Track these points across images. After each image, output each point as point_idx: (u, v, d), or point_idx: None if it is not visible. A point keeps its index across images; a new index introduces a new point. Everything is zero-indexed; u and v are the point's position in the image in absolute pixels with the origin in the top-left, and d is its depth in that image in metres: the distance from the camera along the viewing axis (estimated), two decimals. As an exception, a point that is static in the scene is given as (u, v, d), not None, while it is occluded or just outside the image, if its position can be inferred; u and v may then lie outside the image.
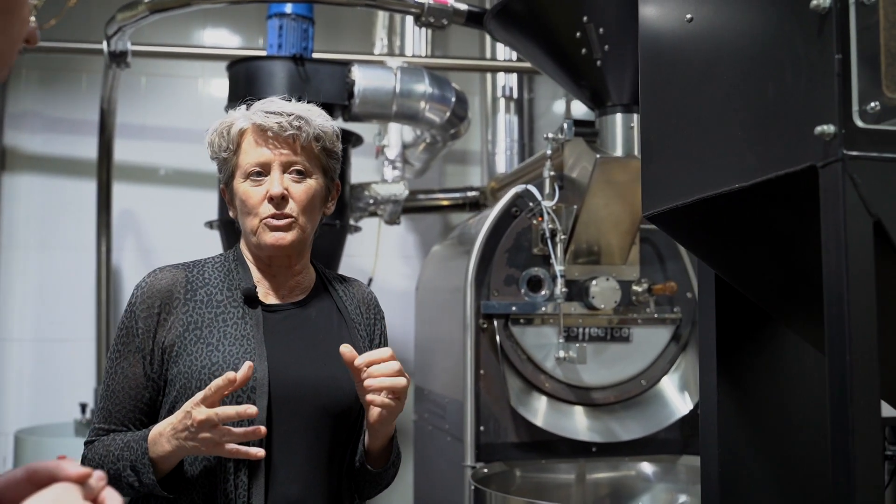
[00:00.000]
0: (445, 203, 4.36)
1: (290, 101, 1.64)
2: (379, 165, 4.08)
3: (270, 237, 1.57)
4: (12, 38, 0.81)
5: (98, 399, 1.61)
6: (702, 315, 1.59)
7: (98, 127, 3.96)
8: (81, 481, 0.89)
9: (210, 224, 3.37)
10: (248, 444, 1.46)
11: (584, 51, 2.53)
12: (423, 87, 3.40)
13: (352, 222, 3.74)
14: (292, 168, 1.58)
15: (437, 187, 4.59)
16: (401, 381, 1.47)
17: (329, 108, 3.39)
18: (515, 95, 4.33)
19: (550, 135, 2.76)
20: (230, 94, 3.37)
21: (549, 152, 2.79)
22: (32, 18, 0.87)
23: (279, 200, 1.56)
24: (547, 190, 2.78)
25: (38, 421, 4.15)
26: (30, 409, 4.25)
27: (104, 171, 4.00)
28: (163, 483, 1.46)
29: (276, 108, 1.58)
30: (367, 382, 1.45)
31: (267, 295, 1.65)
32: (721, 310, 1.60)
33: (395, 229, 4.53)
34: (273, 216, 1.57)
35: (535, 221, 2.83)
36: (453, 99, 3.48)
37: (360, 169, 4.15)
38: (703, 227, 1.62)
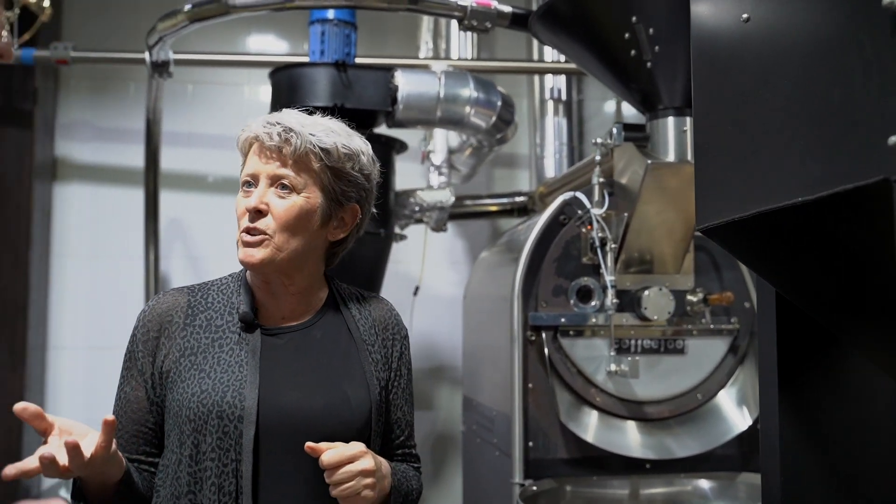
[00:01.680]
0: (494, 209, 4.28)
1: (314, 113, 1.58)
2: (425, 171, 4.01)
3: (240, 253, 1.50)
4: None
5: None
6: (762, 331, 1.50)
7: (144, 136, 3.96)
8: None
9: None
10: (237, 482, 1.42)
11: (633, 52, 2.43)
12: (468, 91, 3.32)
13: (397, 230, 3.68)
14: (279, 182, 1.50)
15: (486, 192, 4.52)
16: (359, 487, 1.41)
17: (372, 115, 3.34)
18: (564, 97, 4.22)
19: (599, 140, 2.66)
20: (273, 102, 3.33)
21: (597, 158, 2.69)
22: (5, 34, 0.82)
23: (254, 214, 1.48)
24: (596, 197, 2.68)
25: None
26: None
27: (151, 179, 4.00)
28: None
29: (276, 119, 1.51)
30: (331, 489, 1.40)
31: (269, 317, 1.58)
32: (782, 326, 1.50)
33: (443, 235, 4.46)
34: (247, 230, 1.49)
35: (584, 230, 2.73)
36: (499, 103, 3.39)
37: (406, 175, 4.09)
38: (761, 242, 1.51)
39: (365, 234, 3.13)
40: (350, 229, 1.63)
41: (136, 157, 4.24)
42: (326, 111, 3.12)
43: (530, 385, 2.70)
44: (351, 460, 1.40)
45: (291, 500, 1.46)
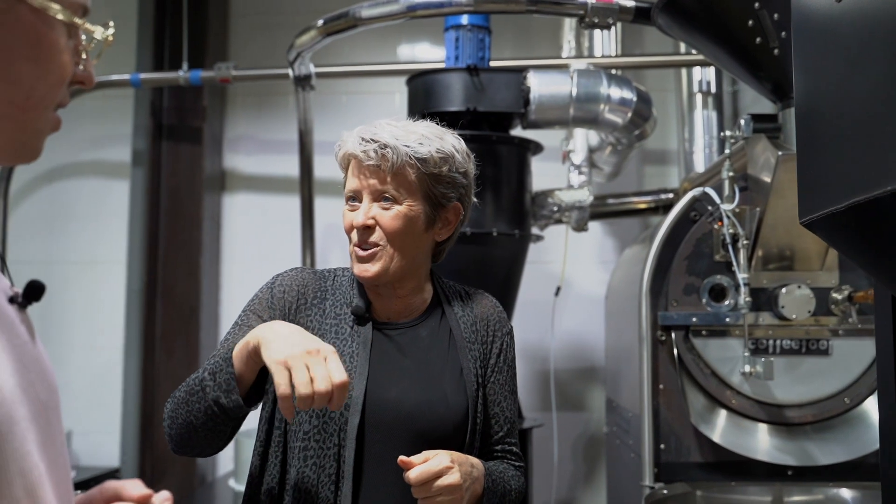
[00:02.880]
0: (642, 206, 4.20)
1: (407, 120, 1.62)
2: (566, 171, 3.99)
3: (356, 268, 1.58)
4: (50, 84, 0.85)
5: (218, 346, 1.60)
6: (878, 326, 1.42)
7: (298, 146, 4.18)
8: (142, 501, 0.91)
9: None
10: (338, 465, 1.47)
11: (758, 40, 2.32)
12: (602, 89, 3.28)
13: (536, 231, 3.69)
14: (381, 196, 1.55)
15: (636, 189, 4.44)
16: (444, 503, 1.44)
17: (507, 117, 3.37)
18: (714, 90, 4.08)
19: (728, 132, 2.57)
20: (409, 108, 3.43)
21: (727, 151, 2.59)
22: (84, 57, 0.90)
23: (362, 230, 1.55)
24: (726, 192, 2.58)
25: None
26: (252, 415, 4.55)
27: (306, 187, 4.22)
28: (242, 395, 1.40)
29: (369, 135, 1.56)
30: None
31: (379, 314, 1.64)
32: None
33: (593, 234, 4.43)
34: (359, 245, 1.57)
35: (715, 226, 2.64)
36: (634, 99, 3.33)
37: (548, 175, 4.10)
38: (857, 233, 1.43)
39: (499, 234, 3.20)
40: (454, 226, 1.67)
41: (294, 167, 4.49)
42: (461, 115, 3.20)
43: (661, 386, 2.64)
44: (438, 476, 1.44)
45: (389, 486, 1.52)
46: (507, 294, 3.39)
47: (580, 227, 3.74)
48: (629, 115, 3.36)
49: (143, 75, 4.39)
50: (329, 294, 1.63)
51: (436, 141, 1.58)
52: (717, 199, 2.59)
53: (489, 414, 1.69)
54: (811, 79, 1.56)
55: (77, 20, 0.86)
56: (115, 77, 4.47)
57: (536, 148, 3.46)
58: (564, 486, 4.22)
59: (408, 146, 1.54)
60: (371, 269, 1.56)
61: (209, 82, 4.32)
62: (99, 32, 0.90)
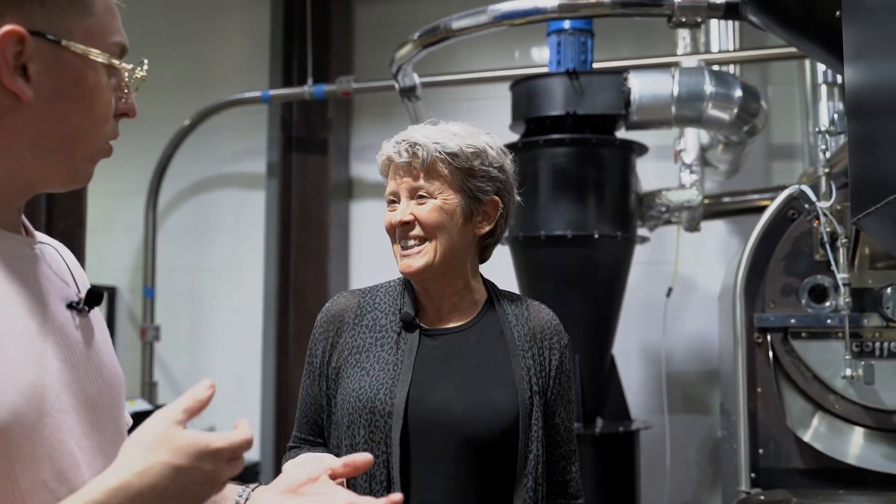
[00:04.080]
0: (764, 203, 4.06)
1: (440, 123, 1.67)
2: (678, 171, 3.93)
3: (402, 264, 1.62)
4: (95, 119, 0.97)
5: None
6: None
7: (415, 154, 4.30)
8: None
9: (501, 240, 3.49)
10: (388, 472, 1.53)
11: (848, 30, 2.24)
12: (705, 87, 3.22)
13: (646, 232, 3.65)
14: (416, 193, 1.61)
15: (762, 186, 4.30)
16: None
17: (609, 119, 3.37)
18: (839, 80, 3.90)
19: (822, 128, 2.47)
20: (513, 113, 3.49)
21: (822, 147, 2.50)
22: (126, 91, 1.03)
23: (402, 227, 1.61)
24: (823, 189, 2.49)
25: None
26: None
27: (425, 193, 4.33)
28: None
29: (402, 137, 1.63)
30: None
31: (429, 319, 1.67)
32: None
33: (716, 232, 4.33)
34: (401, 244, 1.62)
35: (814, 224, 2.55)
36: (739, 95, 3.25)
37: (661, 174, 4.05)
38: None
39: (600, 237, 3.20)
40: (495, 220, 1.68)
41: (414, 174, 4.62)
42: (562, 119, 3.23)
43: (759, 389, 2.57)
44: None
45: (438, 491, 1.56)
46: (611, 297, 3.38)
47: (692, 227, 3.67)
48: (735, 111, 3.28)
49: (272, 91, 4.66)
50: (369, 309, 1.69)
51: (467, 137, 1.63)
52: (813, 197, 2.50)
53: (549, 423, 1.68)
54: (862, 70, 1.53)
55: (115, 61, 0.97)
56: (248, 95, 4.77)
57: (641, 149, 3.43)
58: (678, 492, 4.14)
59: (437, 142, 1.59)
60: (415, 263, 1.61)
61: (332, 95, 4.53)
62: (135, 71, 1.01)
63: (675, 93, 3.22)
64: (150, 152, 5.08)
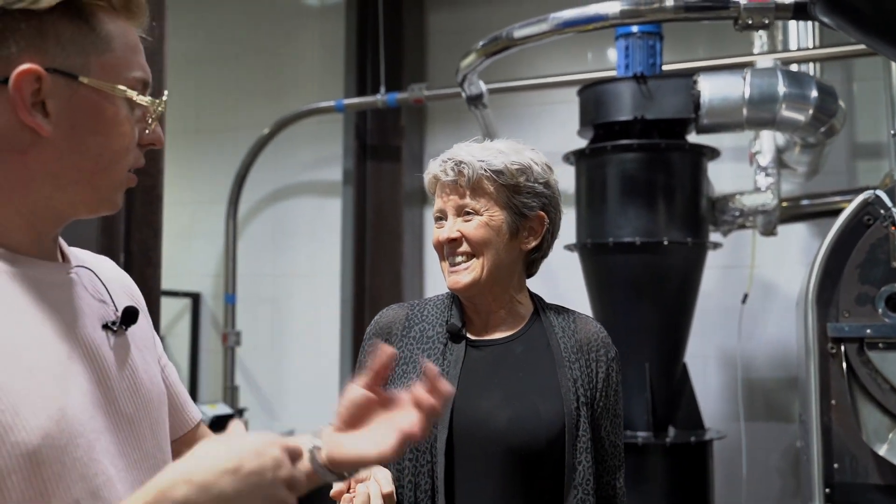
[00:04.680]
0: (845, 205, 3.92)
1: (485, 140, 1.68)
2: (753, 173, 3.82)
3: (449, 280, 1.64)
4: (115, 151, 1.01)
5: None
6: None
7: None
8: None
9: (570, 247, 3.47)
10: (433, 481, 1.54)
11: (922, 29, 2.15)
12: (778, 88, 3.13)
13: (719, 237, 3.57)
14: (463, 210, 1.62)
15: (846, 187, 4.15)
16: None
17: (679, 123, 3.31)
18: (926, 76, 3.73)
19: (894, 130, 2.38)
20: (581, 118, 3.46)
21: (892, 149, 2.40)
22: (150, 122, 1.06)
23: (449, 243, 1.62)
24: (899, 194, 2.40)
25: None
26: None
27: (497, 198, 4.33)
28: None
29: (448, 156, 1.65)
30: None
31: (476, 331, 1.69)
32: None
33: (798, 235, 4.21)
34: (449, 260, 1.64)
35: (891, 230, 2.45)
36: (814, 94, 3.15)
37: (736, 177, 3.95)
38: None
39: (670, 243, 3.15)
40: (542, 235, 1.70)
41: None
42: (630, 124, 3.19)
43: (833, 402, 2.49)
44: None
45: (483, 501, 1.58)
46: (682, 303, 3.32)
47: (768, 231, 3.57)
48: (811, 112, 3.17)
49: (346, 101, 4.74)
50: (417, 321, 1.71)
51: (512, 154, 1.64)
52: (889, 202, 2.41)
53: (596, 437, 1.67)
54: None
55: (131, 94, 1.01)
56: (323, 104, 4.86)
57: (712, 153, 3.36)
58: (753, 502, 4.03)
59: (482, 160, 1.61)
60: (462, 279, 1.63)
61: (404, 103, 4.57)
62: (155, 104, 1.05)
63: (747, 95, 3.13)
64: (231, 162, 5.23)
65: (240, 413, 4.92)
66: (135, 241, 2.85)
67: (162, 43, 2.64)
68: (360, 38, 4.98)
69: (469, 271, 1.62)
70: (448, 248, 1.65)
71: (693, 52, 4.35)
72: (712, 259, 3.60)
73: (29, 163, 0.94)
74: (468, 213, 1.63)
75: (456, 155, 1.65)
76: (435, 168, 1.68)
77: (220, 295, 5.38)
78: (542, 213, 1.67)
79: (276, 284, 5.32)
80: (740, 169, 4.03)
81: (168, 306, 5.20)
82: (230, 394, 5.11)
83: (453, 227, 1.63)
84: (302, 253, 5.29)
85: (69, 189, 0.97)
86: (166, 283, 3.08)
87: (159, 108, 1.05)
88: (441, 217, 1.68)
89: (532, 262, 1.74)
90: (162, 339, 5.28)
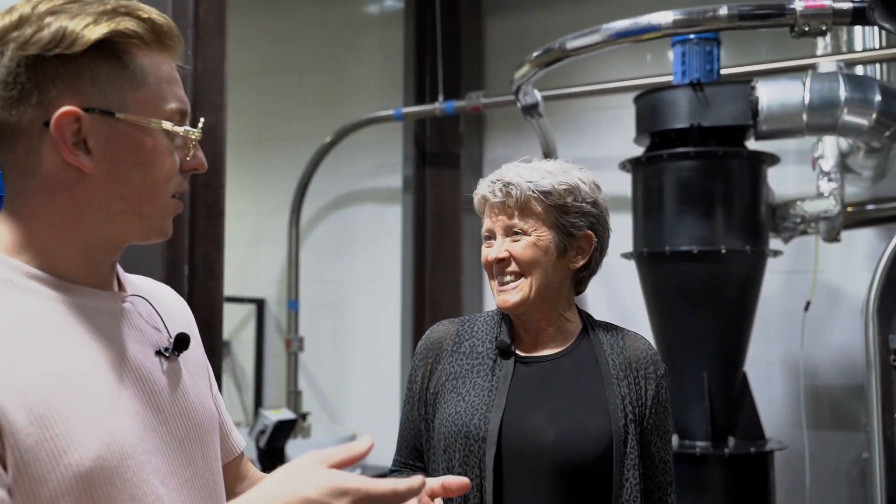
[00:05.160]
0: (916, 210, 3.83)
1: (533, 160, 1.70)
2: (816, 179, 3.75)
3: (498, 299, 1.66)
4: (156, 180, 1.05)
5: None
6: None
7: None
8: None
9: (627, 255, 3.45)
10: (481, 496, 1.56)
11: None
12: (839, 92, 3.07)
13: (780, 244, 3.52)
14: (512, 231, 1.64)
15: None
16: None
17: (737, 130, 3.27)
18: None
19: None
20: (637, 126, 3.44)
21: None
22: (191, 149, 1.10)
23: (498, 263, 1.64)
24: (964, 202, 2.33)
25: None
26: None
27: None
28: None
29: (496, 177, 1.67)
30: None
31: (525, 347, 1.71)
32: None
33: (867, 241, 4.11)
34: (498, 279, 1.66)
35: (955, 239, 2.39)
36: (877, 98, 3.08)
37: (796, 181, 3.88)
38: None
39: (727, 251, 3.12)
40: (590, 254, 1.71)
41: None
42: (687, 132, 3.16)
43: (896, 415, 2.44)
44: None
45: None
46: (742, 312, 3.27)
47: (831, 237, 3.50)
48: (874, 116, 3.10)
49: (404, 109, 4.80)
50: (467, 337, 1.74)
51: (559, 174, 1.66)
52: (953, 211, 2.35)
53: (644, 454, 1.67)
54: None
55: (167, 126, 1.04)
56: (382, 113, 4.92)
57: (772, 160, 3.31)
58: (818, 514, 3.95)
59: (530, 181, 1.63)
60: (511, 298, 1.65)
61: (462, 111, 4.60)
62: (191, 134, 1.09)
63: (807, 100, 3.08)
64: (293, 170, 5.34)
65: (303, 417, 5.01)
66: (198, 255, 2.93)
67: (222, 62, 2.72)
68: (418, 46, 5.03)
69: (517, 290, 1.65)
70: (497, 268, 1.67)
71: (754, 54, 4.27)
72: (775, 264, 3.54)
73: (77, 199, 0.99)
74: (516, 234, 1.65)
75: (504, 176, 1.67)
76: (483, 189, 1.70)
77: (283, 301, 5.49)
78: (590, 232, 1.68)
79: (338, 291, 5.40)
80: (805, 172, 3.95)
81: (234, 312, 5.34)
82: (293, 399, 5.21)
83: (502, 247, 1.66)
84: (362, 260, 5.37)
85: (117, 219, 1.02)
86: (232, 290, 3.16)
87: (196, 136, 1.09)
88: (490, 237, 1.71)
89: (580, 280, 1.75)
90: (227, 344, 5.40)
